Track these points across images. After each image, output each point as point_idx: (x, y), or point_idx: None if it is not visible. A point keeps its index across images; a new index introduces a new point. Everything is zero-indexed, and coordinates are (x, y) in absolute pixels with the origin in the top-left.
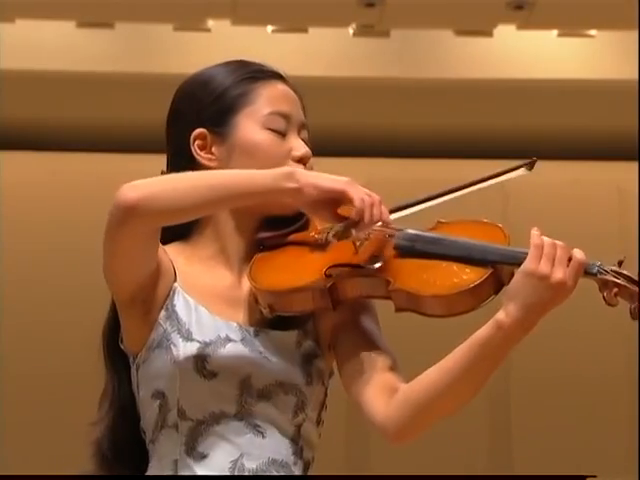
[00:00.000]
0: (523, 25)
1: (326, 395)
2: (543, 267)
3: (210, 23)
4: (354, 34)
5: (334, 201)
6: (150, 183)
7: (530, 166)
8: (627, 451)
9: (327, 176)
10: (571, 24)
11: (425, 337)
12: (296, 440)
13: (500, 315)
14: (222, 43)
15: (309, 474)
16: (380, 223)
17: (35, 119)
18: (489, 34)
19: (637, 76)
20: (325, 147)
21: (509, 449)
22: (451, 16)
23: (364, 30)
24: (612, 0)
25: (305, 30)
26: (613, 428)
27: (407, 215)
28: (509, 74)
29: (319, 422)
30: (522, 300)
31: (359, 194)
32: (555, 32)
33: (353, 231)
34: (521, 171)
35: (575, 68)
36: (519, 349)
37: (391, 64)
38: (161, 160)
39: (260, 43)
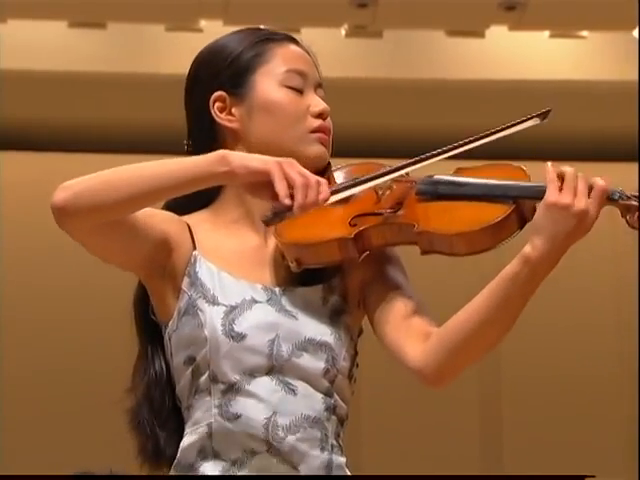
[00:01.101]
0: (515, 26)
1: (356, 352)
2: (565, 198)
3: (202, 23)
4: (346, 35)
5: (270, 183)
6: (79, 181)
7: (543, 116)
8: (622, 451)
9: (258, 157)
10: (563, 25)
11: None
12: (330, 395)
13: (527, 249)
14: None
15: (345, 431)
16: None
17: (26, 119)
18: (481, 35)
19: (636, 77)
20: None
21: (500, 449)
22: (443, 17)
23: (356, 31)
24: (604, 1)
25: (297, 30)
26: (606, 427)
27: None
28: (501, 75)
29: (351, 378)
30: (547, 232)
31: (284, 177)
32: (547, 33)
33: (288, 214)
34: (533, 121)
35: (567, 69)
36: (511, 348)
37: (383, 65)
38: (154, 159)
39: None
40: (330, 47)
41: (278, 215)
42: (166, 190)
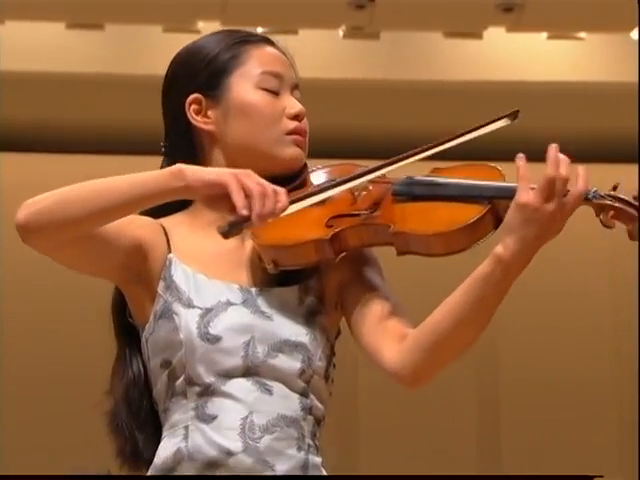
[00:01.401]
0: (513, 27)
1: (333, 353)
2: (535, 198)
3: (200, 25)
4: (344, 36)
5: (228, 195)
6: (43, 198)
7: (512, 117)
8: (621, 451)
9: (214, 169)
10: (561, 26)
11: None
12: (306, 395)
13: (498, 249)
14: None
15: (321, 432)
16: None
17: (24, 120)
18: (479, 36)
19: (635, 78)
20: (314, 149)
21: (498, 449)
22: (441, 18)
23: (354, 32)
24: (602, 3)
25: (295, 32)
26: (604, 428)
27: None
28: (499, 76)
29: (327, 378)
30: (518, 232)
31: (240, 188)
32: (545, 34)
33: (246, 224)
34: (503, 122)
35: (565, 70)
36: (509, 349)
37: (381, 66)
38: (151, 161)
39: None
40: (327, 48)
41: (236, 226)
42: (124, 206)
